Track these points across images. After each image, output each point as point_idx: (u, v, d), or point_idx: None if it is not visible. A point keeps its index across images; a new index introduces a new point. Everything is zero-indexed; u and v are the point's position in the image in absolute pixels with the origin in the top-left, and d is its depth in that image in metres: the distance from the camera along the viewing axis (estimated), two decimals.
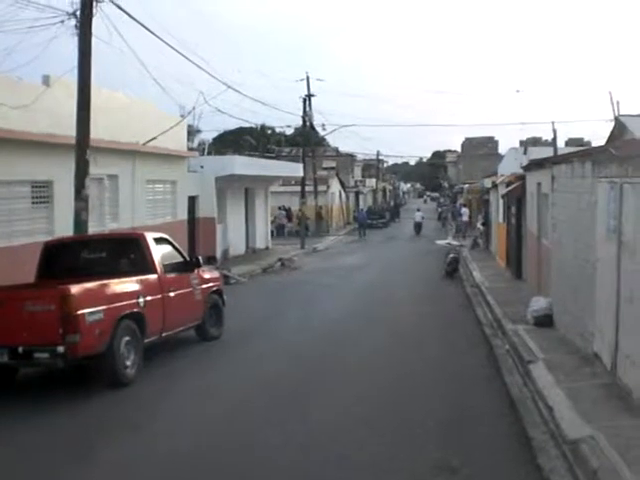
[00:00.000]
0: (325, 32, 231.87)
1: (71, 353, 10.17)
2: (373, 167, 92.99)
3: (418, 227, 54.73)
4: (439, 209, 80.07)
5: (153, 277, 12.44)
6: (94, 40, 15.57)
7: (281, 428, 8.78)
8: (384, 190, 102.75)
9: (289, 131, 74.92)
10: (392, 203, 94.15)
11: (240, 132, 70.50)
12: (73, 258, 13.14)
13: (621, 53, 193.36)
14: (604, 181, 10.56)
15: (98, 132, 17.01)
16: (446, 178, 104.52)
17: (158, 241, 13.27)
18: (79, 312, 10.18)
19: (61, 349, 10.06)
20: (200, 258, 14.54)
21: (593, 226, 11.17)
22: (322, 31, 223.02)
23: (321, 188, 52.61)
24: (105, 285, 11.17)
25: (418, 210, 59.14)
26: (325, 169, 62.06)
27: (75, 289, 10.37)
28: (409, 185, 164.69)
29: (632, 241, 9.04)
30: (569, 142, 53.55)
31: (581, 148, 26.95)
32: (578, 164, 12.66)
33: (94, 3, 15.51)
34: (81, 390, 10.75)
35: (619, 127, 22.60)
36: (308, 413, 9.43)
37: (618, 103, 32.24)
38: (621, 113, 26.64)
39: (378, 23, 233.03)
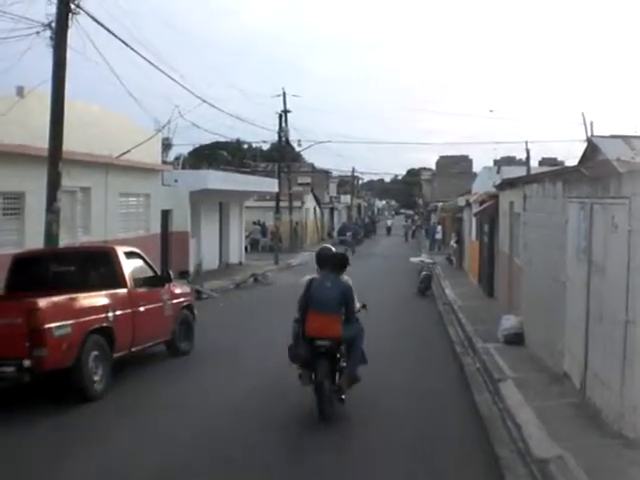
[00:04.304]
0: (301, 49, 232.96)
1: (38, 367, 10.04)
2: (348, 183, 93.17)
3: (389, 230, 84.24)
4: (405, 225, 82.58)
5: (123, 291, 12.33)
6: (69, 52, 15.51)
7: (249, 449, 8.68)
8: (359, 207, 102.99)
9: (265, 146, 74.98)
10: (367, 219, 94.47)
11: (216, 146, 70.25)
12: (42, 271, 13.00)
13: (595, 74, 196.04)
14: (575, 201, 10.65)
15: (71, 144, 16.89)
16: (421, 196, 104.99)
17: (129, 255, 13.17)
18: (46, 326, 10.05)
19: (27, 363, 9.92)
20: (171, 273, 14.48)
21: (564, 246, 11.24)
22: (298, 48, 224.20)
23: (296, 204, 52.49)
24: (73, 299, 11.05)
25: (388, 219, 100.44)
26: (300, 185, 61.96)
27: (42, 302, 10.24)
28: (384, 202, 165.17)
29: (602, 261, 9.11)
30: (543, 162, 53.89)
31: (553, 168, 27.16)
32: (549, 184, 12.77)
33: (69, 15, 15.44)
34: (48, 405, 10.56)
35: (592, 148, 22.73)
36: (275, 432, 9.33)
37: (592, 124, 32.45)
38: (594, 134, 26.89)
39: (354, 41, 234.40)
